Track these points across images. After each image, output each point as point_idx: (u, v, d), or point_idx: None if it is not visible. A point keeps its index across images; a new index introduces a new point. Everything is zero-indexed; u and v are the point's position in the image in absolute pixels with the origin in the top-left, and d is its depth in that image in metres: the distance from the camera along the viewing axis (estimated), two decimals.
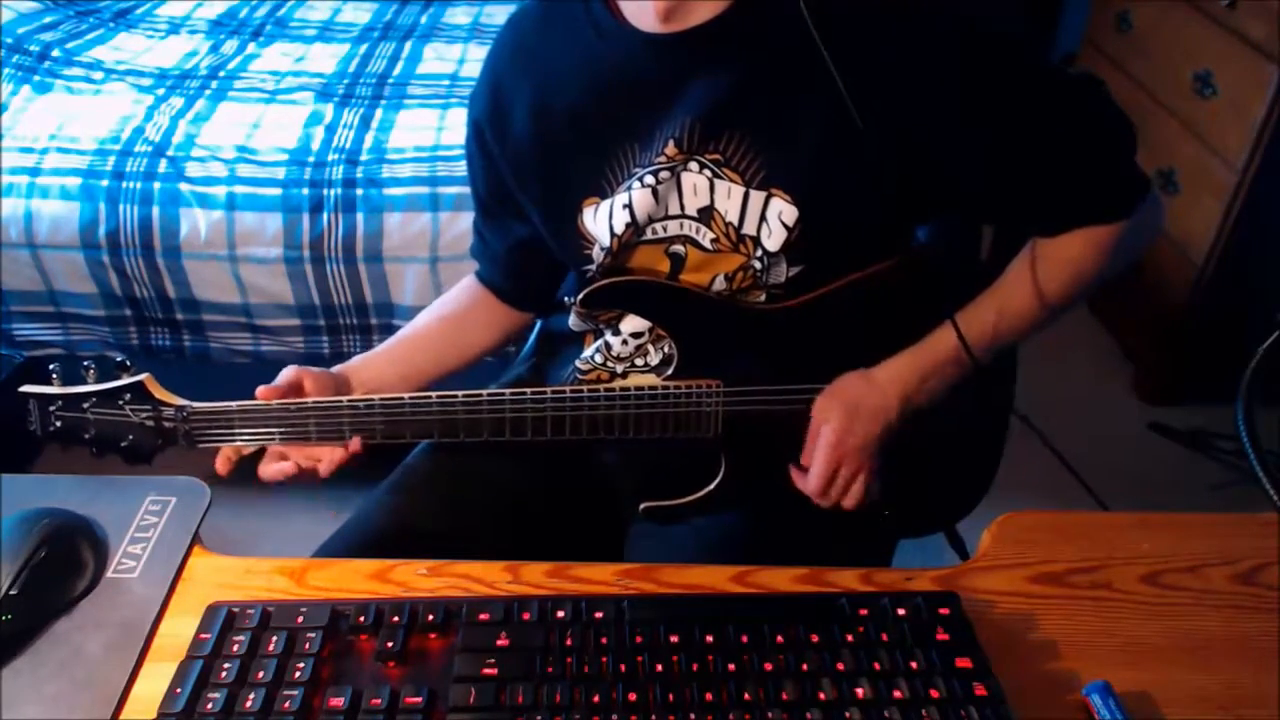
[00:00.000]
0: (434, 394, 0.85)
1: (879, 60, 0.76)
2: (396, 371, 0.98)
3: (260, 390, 0.86)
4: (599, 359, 0.94)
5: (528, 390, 0.85)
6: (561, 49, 0.86)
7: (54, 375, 0.84)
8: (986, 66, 0.78)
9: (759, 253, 0.83)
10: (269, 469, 0.89)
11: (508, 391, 0.85)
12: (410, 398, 0.85)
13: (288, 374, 0.89)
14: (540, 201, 0.91)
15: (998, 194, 0.85)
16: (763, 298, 0.86)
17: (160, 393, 0.85)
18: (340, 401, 0.85)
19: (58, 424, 0.84)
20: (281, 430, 0.85)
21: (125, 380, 0.84)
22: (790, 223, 0.80)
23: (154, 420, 0.84)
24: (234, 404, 0.84)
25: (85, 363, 0.84)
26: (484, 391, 0.85)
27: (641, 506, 0.91)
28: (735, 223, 0.83)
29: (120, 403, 0.84)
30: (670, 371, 0.88)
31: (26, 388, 0.83)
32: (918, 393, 0.86)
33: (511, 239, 0.99)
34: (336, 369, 0.95)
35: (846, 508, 0.87)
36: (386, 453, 0.97)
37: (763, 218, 0.81)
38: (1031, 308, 0.87)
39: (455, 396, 0.85)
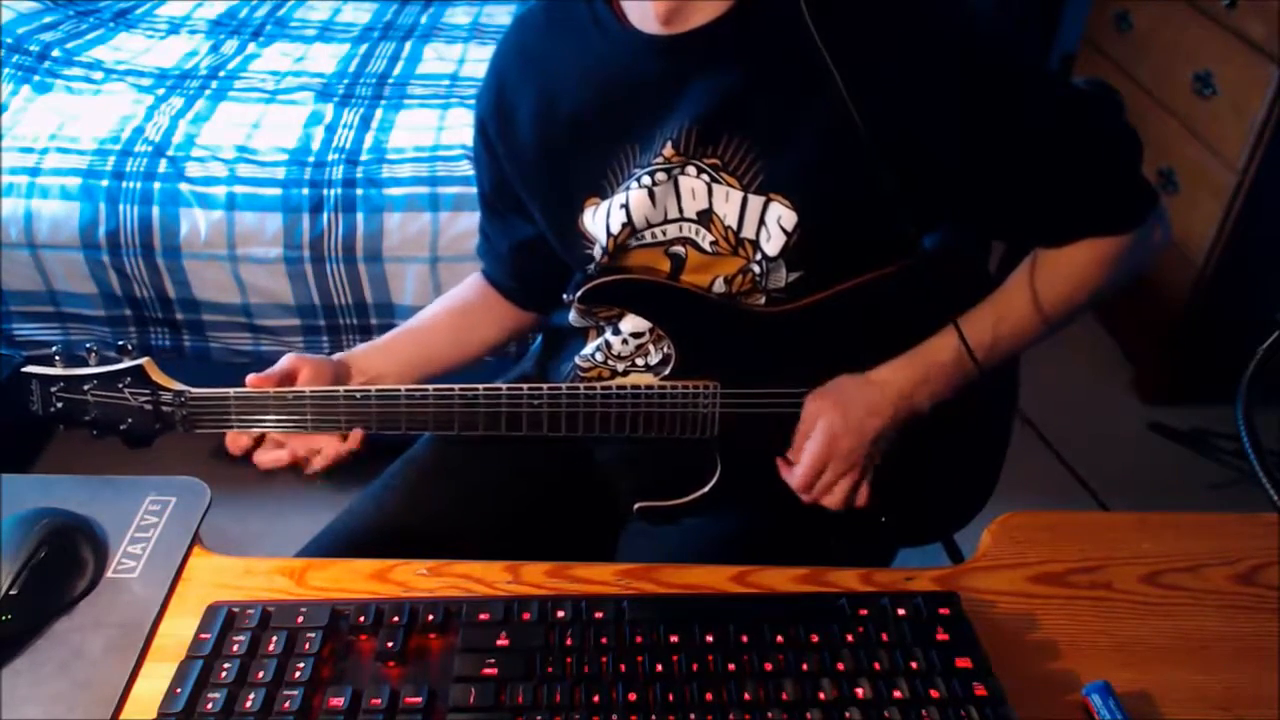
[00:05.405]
0: (430, 387, 0.85)
1: (880, 66, 0.75)
2: (398, 362, 0.98)
3: (250, 378, 0.86)
4: (599, 357, 0.94)
5: (524, 386, 0.85)
6: (565, 49, 0.86)
7: (56, 358, 0.85)
8: (989, 74, 0.77)
9: (758, 256, 0.83)
10: (265, 456, 0.89)
11: (504, 386, 0.85)
12: (407, 390, 0.85)
13: (284, 362, 0.89)
14: (543, 200, 0.91)
15: (998, 203, 0.84)
16: (762, 301, 0.86)
17: (159, 377, 0.86)
18: (336, 391, 0.85)
19: (59, 405, 0.85)
20: (278, 418, 0.86)
21: (125, 364, 0.85)
22: (789, 228, 0.80)
23: (152, 404, 0.85)
24: (231, 390, 0.85)
25: (87, 345, 0.85)
26: (480, 386, 0.85)
27: (636, 506, 0.91)
28: (734, 226, 0.83)
29: (120, 386, 0.85)
30: (668, 371, 0.88)
31: (29, 368, 0.84)
32: (915, 397, 0.86)
33: (516, 238, 0.99)
34: (337, 357, 0.95)
35: (829, 507, 0.87)
36: (380, 450, 0.96)
37: (761, 222, 0.81)
38: (1031, 318, 0.87)
39: (452, 390, 0.85)
